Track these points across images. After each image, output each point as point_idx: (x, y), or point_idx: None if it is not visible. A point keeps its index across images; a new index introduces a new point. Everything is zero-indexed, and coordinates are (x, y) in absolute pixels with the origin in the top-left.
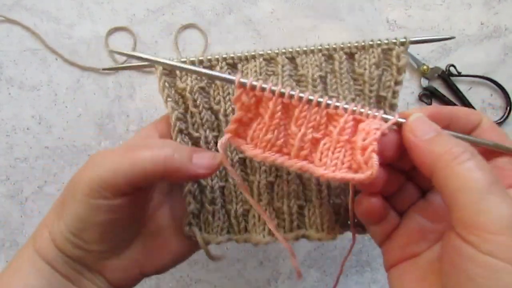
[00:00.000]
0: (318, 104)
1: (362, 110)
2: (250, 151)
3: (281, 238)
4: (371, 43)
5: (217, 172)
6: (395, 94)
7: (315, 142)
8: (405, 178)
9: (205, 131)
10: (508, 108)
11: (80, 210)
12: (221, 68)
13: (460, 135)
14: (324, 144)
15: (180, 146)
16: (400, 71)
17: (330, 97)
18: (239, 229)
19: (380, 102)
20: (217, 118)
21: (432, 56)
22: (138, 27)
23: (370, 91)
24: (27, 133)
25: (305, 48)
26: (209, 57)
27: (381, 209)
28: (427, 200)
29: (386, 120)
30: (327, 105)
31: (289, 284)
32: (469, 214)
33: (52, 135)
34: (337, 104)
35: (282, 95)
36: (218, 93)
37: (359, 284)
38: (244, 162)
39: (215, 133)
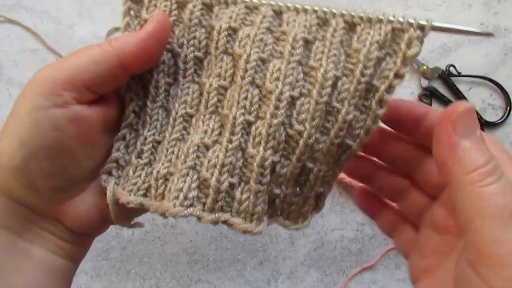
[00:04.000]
0: None
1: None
2: None
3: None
4: (381, 17)
5: (157, 124)
6: (390, 88)
7: None
8: (410, 184)
9: (159, 75)
10: (508, 108)
11: (21, 130)
12: (194, 6)
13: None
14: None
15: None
16: (406, 61)
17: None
18: (156, 194)
19: (369, 92)
20: (175, 63)
21: (432, 56)
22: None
23: (362, 75)
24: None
25: (297, 5)
26: None
27: (366, 170)
28: (432, 211)
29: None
30: None
31: (289, 284)
32: (484, 241)
33: None
34: None
35: None
36: (183, 35)
37: (359, 284)
38: (200, 62)
39: (169, 79)
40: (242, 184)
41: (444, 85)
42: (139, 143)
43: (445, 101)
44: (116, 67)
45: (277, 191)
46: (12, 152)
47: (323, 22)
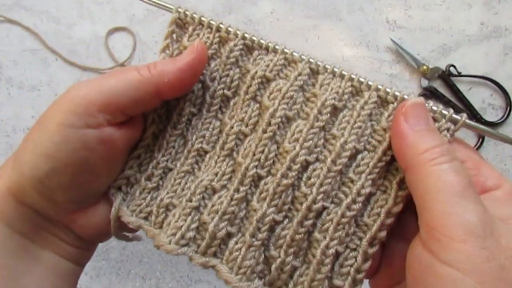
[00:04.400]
0: None
1: None
2: None
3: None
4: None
5: (172, 151)
6: None
7: None
8: None
9: (185, 103)
10: (508, 108)
11: (50, 144)
12: (235, 45)
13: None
14: None
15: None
16: None
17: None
18: (156, 221)
19: (390, 172)
20: (203, 95)
21: (432, 56)
22: (138, 27)
23: (384, 154)
24: (27, 133)
25: (336, 69)
26: (230, 28)
27: None
28: (400, 223)
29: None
30: None
31: None
32: (434, 216)
33: None
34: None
35: None
36: (217, 70)
37: None
38: (227, 101)
39: (193, 109)
40: (239, 234)
41: (444, 85)
42: (151, 166)
43: (445, 101)
44: (153, 93)
45: (274, 253)
46: (36, 163)
47: (357, 92)
